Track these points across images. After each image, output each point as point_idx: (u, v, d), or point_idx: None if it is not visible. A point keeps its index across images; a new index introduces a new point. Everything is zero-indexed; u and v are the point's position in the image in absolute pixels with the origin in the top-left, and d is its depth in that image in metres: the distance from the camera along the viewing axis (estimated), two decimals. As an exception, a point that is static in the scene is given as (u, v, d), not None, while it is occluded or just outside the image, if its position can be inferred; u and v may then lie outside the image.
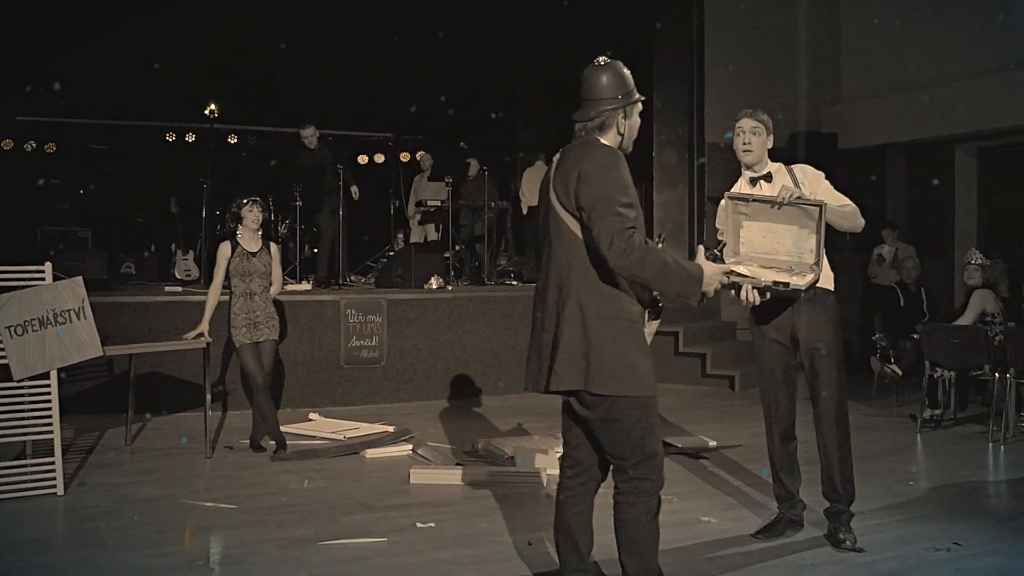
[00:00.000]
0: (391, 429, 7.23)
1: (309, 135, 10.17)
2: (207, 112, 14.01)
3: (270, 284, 6.58)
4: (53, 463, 5.41)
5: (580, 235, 3.31)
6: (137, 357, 6.95)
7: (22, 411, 5.35)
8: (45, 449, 5.47)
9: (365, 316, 8.64)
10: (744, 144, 4.51)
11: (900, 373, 8.03)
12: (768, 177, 4.52)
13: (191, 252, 11.26)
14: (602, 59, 3.44)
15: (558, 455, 6.02)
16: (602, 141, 3.39)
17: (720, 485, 5.76)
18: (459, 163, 12.06)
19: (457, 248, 11.49)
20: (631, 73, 3.46)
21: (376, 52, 12.93)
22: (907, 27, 11.24)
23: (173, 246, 11.56)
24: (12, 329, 5.28)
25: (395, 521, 4.94)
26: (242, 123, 14.97)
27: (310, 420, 7.69)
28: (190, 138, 14.89)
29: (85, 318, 5.52)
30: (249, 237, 6.53)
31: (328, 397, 8.46)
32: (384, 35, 12.43)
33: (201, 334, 6.42)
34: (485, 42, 12.89)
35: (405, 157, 15.04)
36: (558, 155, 3.46)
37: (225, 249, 6.49)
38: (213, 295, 6.51)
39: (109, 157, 14.59)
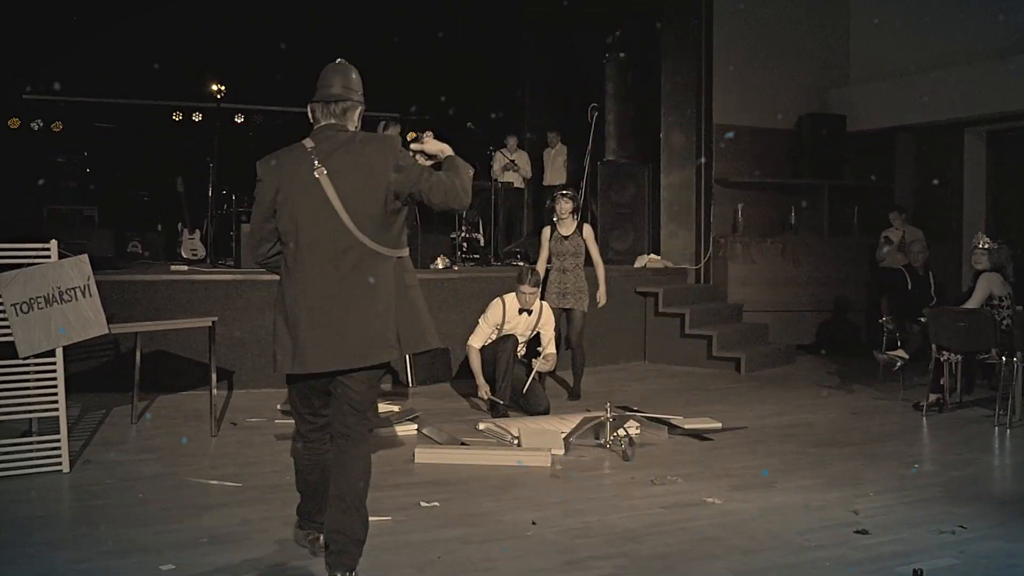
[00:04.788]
0: (396, 408, 7.23)
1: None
2: (213, 91, 13.98)
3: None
4: (58, 440, 5.42)
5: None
6: (143, 335, 6.95)
7: (27, 389, 5.36)
8: (50, 427, 5.48)
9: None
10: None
11: (907, 357, 8.01)
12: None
13: (197, 231, 11.26)
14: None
15: (563, 435, 6.05)
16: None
17: (725, 466, 5.75)
18: (465, 144, 11.98)
19: (464, 228, 11.45)
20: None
21: (376, 50, 12.86)
22: (917, 9, 11.15)
23: (179, 225, 11.55)
24: (17, 306, 5.29)
25: (399, 500, 4.95)
26: (249, 102, 14.94)
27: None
28: (196, 117, 14.87)
29: (91, 296, 5.51)
30: None
31: (333, 377, 8.42)
32: (383, 34, 12.36)
33: None
34: (485, 41, 12.82)
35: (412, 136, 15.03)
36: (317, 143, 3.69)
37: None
38: None
39: (116, 136, 14.58)
